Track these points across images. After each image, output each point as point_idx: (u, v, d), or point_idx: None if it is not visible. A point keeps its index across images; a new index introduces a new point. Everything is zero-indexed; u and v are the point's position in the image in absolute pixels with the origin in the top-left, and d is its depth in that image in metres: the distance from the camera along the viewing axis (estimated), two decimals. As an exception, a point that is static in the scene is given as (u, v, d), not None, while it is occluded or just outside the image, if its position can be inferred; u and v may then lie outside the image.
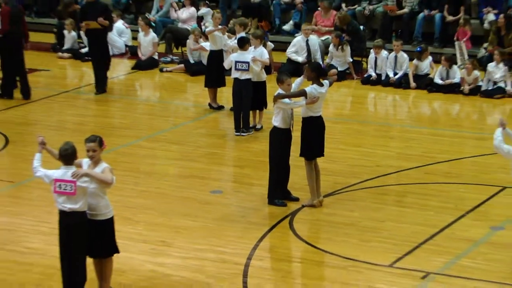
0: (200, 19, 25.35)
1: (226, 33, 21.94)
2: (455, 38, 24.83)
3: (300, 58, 24.04)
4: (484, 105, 22.29)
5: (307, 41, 24.22)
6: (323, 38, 25.28)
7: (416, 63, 23.68)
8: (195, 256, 14.64)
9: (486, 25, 24.78)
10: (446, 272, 14.00)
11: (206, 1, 27.10)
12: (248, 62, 19.77)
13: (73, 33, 26.71)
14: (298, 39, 24.57)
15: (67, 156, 12.60)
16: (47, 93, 23.30)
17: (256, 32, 21.59)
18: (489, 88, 22.75)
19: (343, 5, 26.22)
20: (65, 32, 26.85)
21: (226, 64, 21.01)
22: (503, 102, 22.40)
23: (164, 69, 25.47)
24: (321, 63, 22.39)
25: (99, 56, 22.82)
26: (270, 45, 23.23)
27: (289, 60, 24.49)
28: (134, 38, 26.58)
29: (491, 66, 22.91)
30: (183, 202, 16.85)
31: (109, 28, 26.49)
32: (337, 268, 14.37)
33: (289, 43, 24.94)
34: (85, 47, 26.48)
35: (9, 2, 23.15)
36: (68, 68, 25.73)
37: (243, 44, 20.05)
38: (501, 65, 22.84)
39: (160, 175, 18.14)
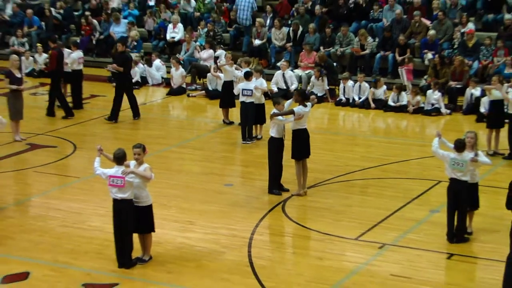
0: (216, 58, 25.32)
1: (235, 66, 21.91)
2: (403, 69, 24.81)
3: (293, 87, 23.99)
4: (424, 121, 22.28)
5: (283, 74, 24.17)
6: (306, 71, 25.24)
7: (374, 90, 23.66)
8: (213, 232, 14.67)
9: (426, 62, 24.75)
10: (397, 243, 14.09)
11: (221, 45, 27.11)
12: (251, 90, 19.82)
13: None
14: (277, 73, 24.54)
15: (119, 158, 12.79)
16: (104, 113, 23.23)
17: (257, 67, 21.56)
18: (428, 109, 22.75)
19: (321, 47, 26.16)
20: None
21: (235, 91, 21.06)
22: (438, 118, 22.41)
23: (190, 95, 25.44)
24: (304, 91, 22.35)
25: (122, 90, 22.61)
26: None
27: (278, 88, 24.40)
28: (168, 72, 26.53)
29: (429, 92, 22.93)
30: (204, 192, 16.84)
31: (149, 64, 26.55)
32: (317, 240, 14.46)
33: (283, 75, 24.96)
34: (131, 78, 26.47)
35: (57, 47, 23.24)
36: (119, 94, 25.76)
37: (247, 76, 20.08)
38: (436, 91, 22.85)
39: (186, 172, 18.15)
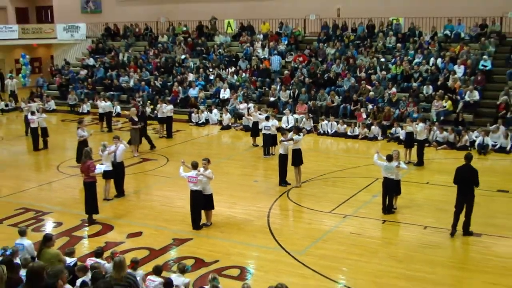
0: (248, 108, 25.16)
1: (258, 112, 21.74)
2: (356, 114, 24.60)
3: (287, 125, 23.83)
4: (370, 145, 22.02)
5: (287, 117, 23.80)
6: (300, 116, 24.99)
7: (339, 126, 23.45)
8: (247, 208, 14.56)
9: (368, 110, 24.50)
10: (353, 214, 13.92)
11: (251, 101, 26.96)
12: (270, 126, 19.67)
13: (197, 115, 26.55)
14: (284, 117, 23.99)
15: (195, 166, 12.80)
16: (184, 140, 23.23)
17: (272, 113, 21.44)
18: (371, 136, 22.56)
19: (309, 101, 25.94)
20: (193, 114, 26.77)
21: (260, 127, 20.83)
22: (376, 142, 22.13)
23: (234, 129, 25.31)
24: (299, 126, 22.12)
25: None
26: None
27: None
28: (221, 116, 26.37)
29: (372, 127, 22.79)
30: (242, 186, 16.70)
31: (210, 112, 26.41)
32: (306, 213, 14.33)
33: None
34: (199, 120, 26.38)
35: (136, 104, 23.35)
36: (193, 130, 25.67)
37: (267, 118, 19.93)
38: (376, 127, 22.71)
39: (230, 174, 17.96)
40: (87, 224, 13.70)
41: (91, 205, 13.79)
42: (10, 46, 37.67)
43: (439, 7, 28.82)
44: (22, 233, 10.27)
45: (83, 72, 33.75)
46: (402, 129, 20.97)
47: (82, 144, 17.92)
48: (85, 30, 37.69)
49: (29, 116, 21.96)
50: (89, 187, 13.74)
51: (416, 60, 26.55)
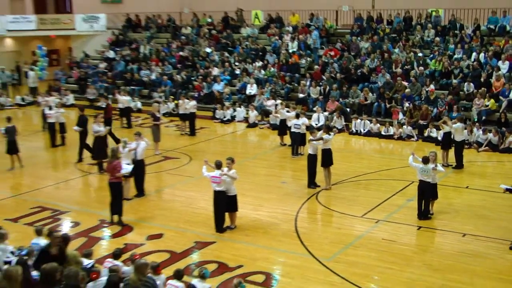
0: (276, 105, 25.18)
1: (286, 109, 21.77)
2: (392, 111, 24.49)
3: (316, 124, 23.82)
4: (404, 145, 21.92)
5: (318, 115, 23.88)
6: (331, 113, 24.99)
7: (372, 126, 23.37)
8: (273, 211, 14.66)
9: (404, 108, 24.37)
10: (386, 219, 13.91)
11: (279, 97, 27.02)
12: (300, 124, 19.65)
13: (222, 111, 26.70)
14: (314, 114, 24.22)
15: (218, 165, 12.94)
16: (208, 137, 23.39)
17: (302, 110, 21.43)
18: (405, 137, 22.46)
19: (340, 99, 25.93)
20: (217, 110, 26.91)
21: (289, 124, 20.61)
22: (411, 143, 22.06)
23: (260, 127, 25.39)
24: (330, 125, 22.09)
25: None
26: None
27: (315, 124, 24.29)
28: (247, 113, 26.44)
29: (404, 127, 22.69)
30: (268, 187, 16.79)
31: (240, 106, 26.46)
32: (336, 217, 14.34)
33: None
34: (224, 117, 26.52)
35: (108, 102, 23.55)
36: (218, 127, 25.81)
37: (298, 116, 19.92)
38: (409, 127, 22.62)
39: (256, 175, 18.07)
40: (106, 225, 13.95)
41: (118, 207, 13.97)
42: (27, 37, 38.32)
43: (483, -3, 28.56)
44: (39, 233, 10.52)
45: (103, 65, 34.25)
46: (437, 129, 20.81)
47: (99, 140, 18.17)
48: (105, 21, 38.19)
49: (46, 111, 22.40)
50: (116, 188, 13.87)
51: (457, 55, 26.33)
